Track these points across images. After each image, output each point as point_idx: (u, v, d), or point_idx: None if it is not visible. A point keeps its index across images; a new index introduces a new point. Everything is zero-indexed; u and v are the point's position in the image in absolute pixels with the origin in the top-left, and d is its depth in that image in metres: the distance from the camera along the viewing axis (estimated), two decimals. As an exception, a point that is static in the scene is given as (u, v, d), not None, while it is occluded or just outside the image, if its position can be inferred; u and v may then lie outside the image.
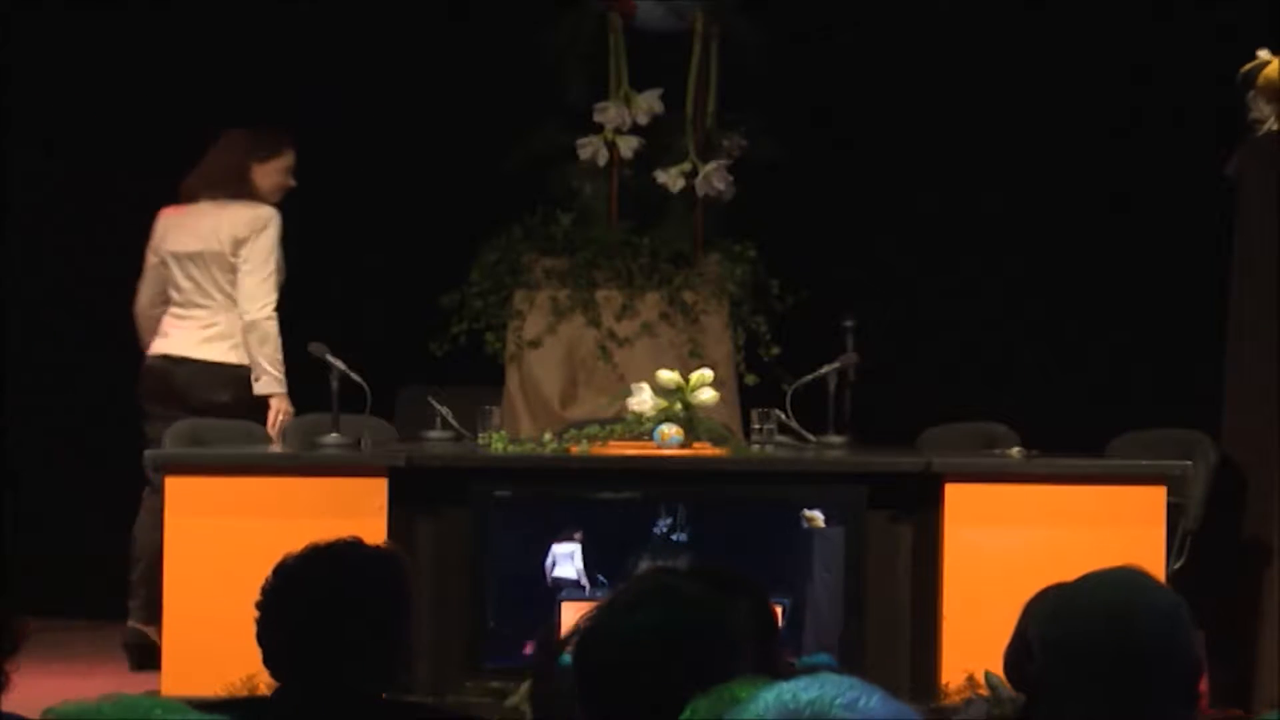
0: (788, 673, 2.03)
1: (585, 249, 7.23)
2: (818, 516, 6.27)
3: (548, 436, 6.53)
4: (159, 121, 8.30)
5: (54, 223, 8.54)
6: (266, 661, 3.36)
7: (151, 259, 7.39)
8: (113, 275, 8.39)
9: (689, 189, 7.30)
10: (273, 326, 7.15)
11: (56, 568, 7.81)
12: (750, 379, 7.11)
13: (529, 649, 6.07)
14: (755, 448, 6.56)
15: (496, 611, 6.20)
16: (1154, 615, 2.81)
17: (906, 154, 8.31)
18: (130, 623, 7.06)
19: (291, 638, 3.32)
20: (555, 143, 7.33)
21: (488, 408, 6.71)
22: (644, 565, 6.04)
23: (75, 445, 8.36)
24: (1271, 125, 6.60)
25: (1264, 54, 6.64)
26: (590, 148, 7.30)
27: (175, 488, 6.18)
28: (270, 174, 7.33)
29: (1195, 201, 7.64)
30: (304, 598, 3.34)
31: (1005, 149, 8.23)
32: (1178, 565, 6.32)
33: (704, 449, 6.43)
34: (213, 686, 5.36)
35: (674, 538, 6.21)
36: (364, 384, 6.57)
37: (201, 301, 7.27)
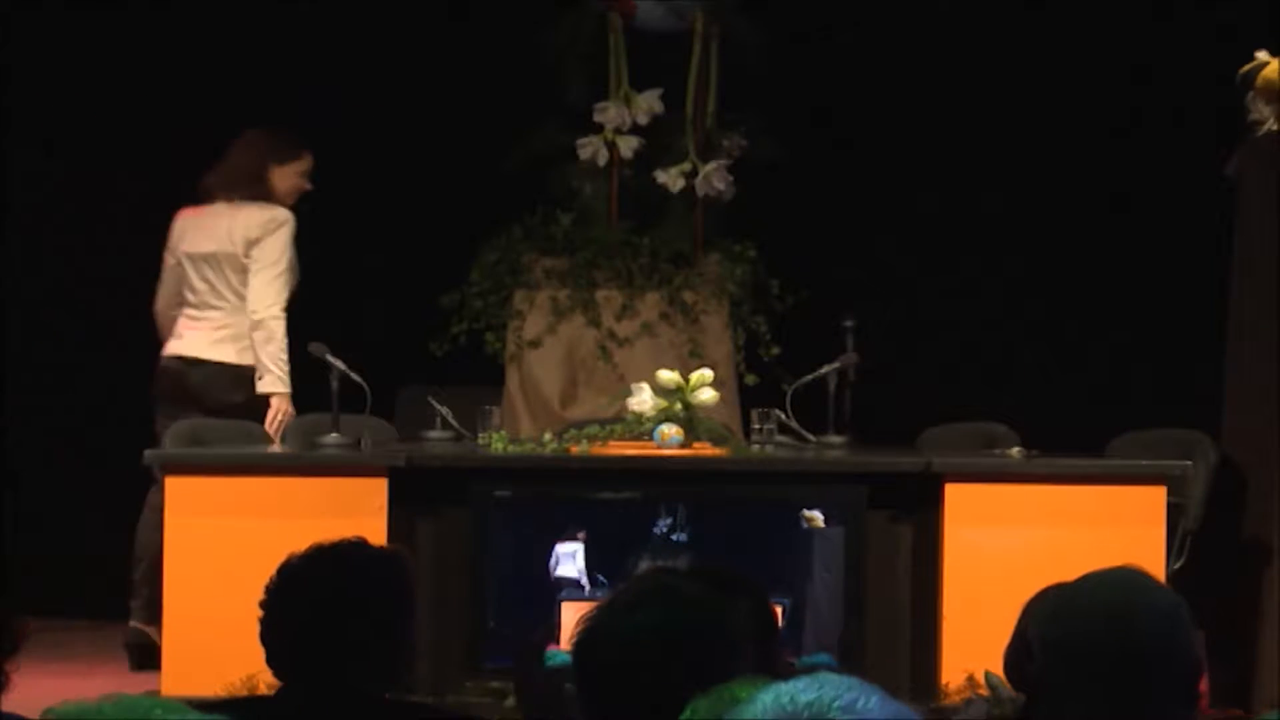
0: (788, 673, 2.03)
1: (585, 249, 7.23)
2: (817, 516, 6.27)
3: (548, 436, 6.53)
4: (159, 121, 8.31)
5: (54, 223, 8.54)
6: (270, 661, 3.36)
7: (169, 260, 7.42)
8: (113, 275, 8.41)
9: (689, 189, 7.30)
10: (279, 326, 7.16)
11: (56, 568, 7.81)
12: (750, 379, 7.10)
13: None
14: (755, 448, 6.56)
15: (496, 611, 6.20)
16: (1154, 615, 2.81)
17: (906, 154, 8.31)
18: (132, 623, 7.06)
19: (295, 637, 3.33)
20: (555, 143, 7.33)
21: (488, 408, 6.71)
22: (644, 565, 6.04)
23: (75, 445, 8.36)
24: (1271, 126, 6.60)
25: (1262, 55, 6.64)
26: (590, 148, 7.30)
27: (175, 488, 6.18)
28: (288, 176, 7.37)
29: (1195, 201, 7.64)
30: (307, 597, 3.35)
31: (1005, 149, 8.23)
32: (1178, 565, 6.32)
33: (704, 449, 6.43)
34: (213, 686, 5.36)
35: (674, 538, 6.22)
36: (364, 384, 6.57)
37: (216, 303, 7.29)
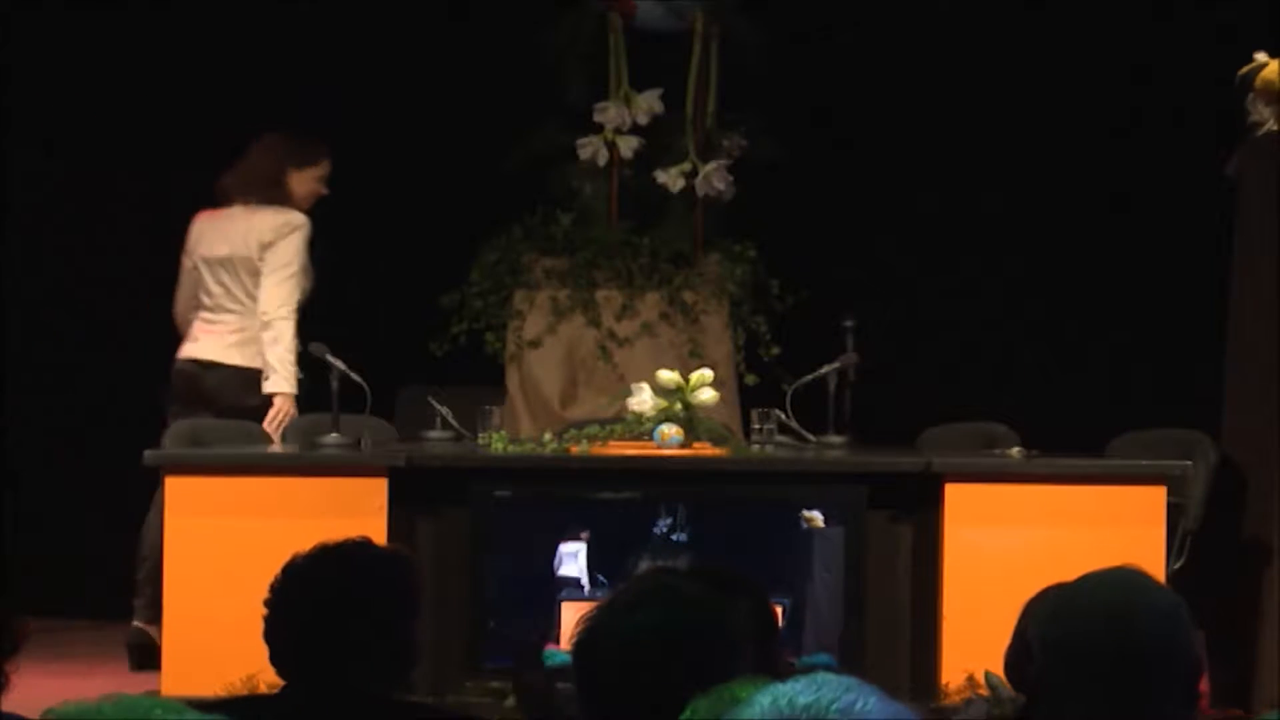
0: (788, 673, 2.03)
1: (585, 249, 7.23)
2: (816, 517, 6.27)
3: (548, 436, 6.53)
4: (159, 121, 8.31)
5: (54, 223, 8.54)
6: (273, 660, 3.37)
7: (186, 263, 7.44)
8: (113, 275, 8.42)
9: (689, 189, 7.30)
10: (287, 327, 7.17)
11: (56, 568, 7.81)
12: (750, 379, 7.10)
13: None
14: (755, 448, 6.56)
15: (496, 611, 6.19)
16: (1154, 615, 2.81)
17: (906, 154, 8.31)
18: (135, 622, 7.06)
19: (299, 636, 3.34)
20: (555, 143, 7.33)
21: (488, 408, 6.71)
22: (644, 565, 6.04)
23: (75, 445, 8.36)
24: (1271, 126, 6.60)
25: (1261, 56, 6.64)
26: (590, 148, 7.30)
27: (175, 488, 6.18)
28: (305, 181, 7.41)
29: (1195, 201, 7.64)
30: (312, 597, 3.35)
31: (1005, 149, 8.23)
32: (1178, 565, 6.32)
33: (704, 449, 6.43)
34: (213, 686, 5.36)
35: (674, 538, 6.21)
36: (364, 384, 6.57)
37: (231, 306, 7.30)
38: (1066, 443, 6.51)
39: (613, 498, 6.30)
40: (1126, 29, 8.14)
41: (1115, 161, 8.20)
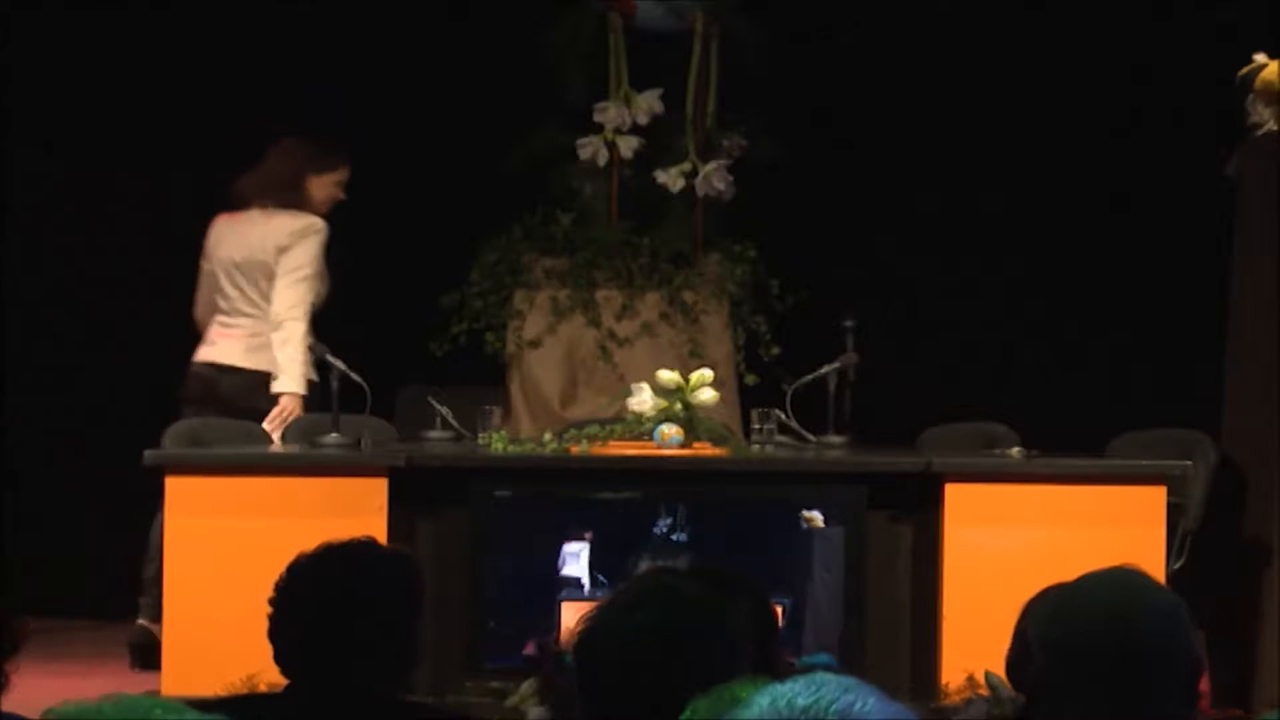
0: (787, 672, 2.03)
1: (585, 249, 7.23)
2: (816, 517, 6.27)
3: (548, 436, 6.53)
4: (159, 121, 8.31)
5: (54, 223, 8.54)
6: (277, 659, 3.37)
7: (204, 266, 7.45)
8: (113, 275, 8.42)
9: (689, 189, 7.30)
10: (298, 328, 7.18)
11: (56, 568, 7.81)
12: (750, 379, 7.10)
13: (529, 649, 6.07)
14: (755, 448, 6.56)
15: (496, 611, 6.19)
16: (1154, 615, 2.81)
17: (906, 154, 8.31)
18: (140, 620, 7.05)
19: (303, 636, 3.34)
20: (555, 143, 7.33)
21: (488, 408, 6.71)
22: (644, 565, 6.04)
23: (75, 445, 8.36)
24: (1271, 127, 6.60)
25: (1260, 57, 6.64)
26: (590, 148, 7.30)
27: (175, 488, 6.18)
28: (324, 186, 7.43)
29: (1195, 201, 7.64)
30: (317, 596, 3.36)
31: (1005, 149, 8.23)
32: (1178, 565, 6.32)
33: (704, 449, 6.43)
34: (213, 686, 5.34)
35: (674, 538, 6.21)
36: (364, 384, 6.57)
37: (247, 310, 7.31)
38: (1066, 443, 6.51)
39: (613, 498, 6.30)
40: (1126, 29, 8.14)
41: (1115, 161, 8.20)
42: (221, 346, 7.34)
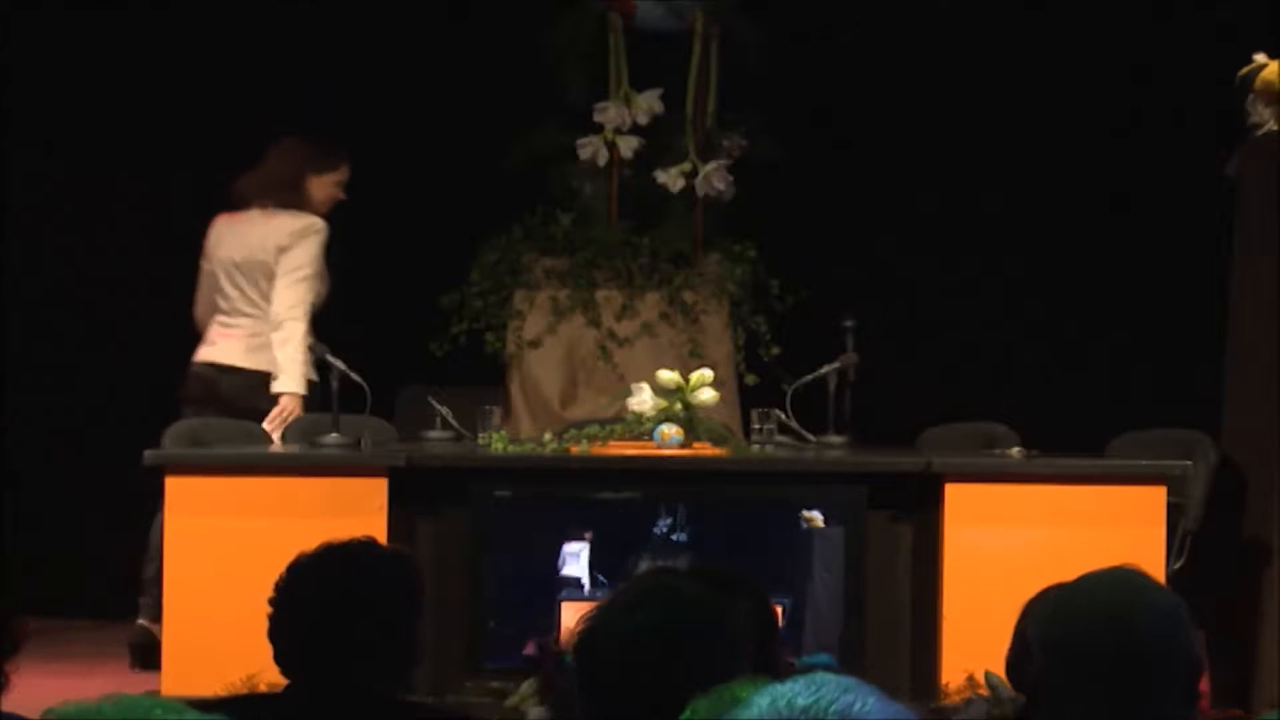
0: (787, 672, 2.03)
1: (585, 249, 7.23)
2: (816, 517, 6.27)
3: (548, 436, 6.53)
4: (159, 121, 8.31)
5: (54, 223, 8.54)
6: (277, 659, 3.37)
7: (205, 266, 7.45)
8: (113, 275, 8.42)
9: (689, 189, 7.30)
10: (298, 328, 7.18)
11: (56, 568, 7.81)
12: (750, 379, 7.10)
13: (529, 649, 6.08)
14: (755, 448, 6.56)
15: (496, 611, 6.19)
16: (1154, 615, 2.81)
17: (906, 154, 8.31)
18: (140, 620, 7.05)
19: (304, 635, 3.34)
20: (555, 143, 7.33)
21: (488, 408, 6.71)
22: (644, 565, 6.04)
23: (75, 445, 8.36)
24: (1271, 127, 6.60)
25: (1260, 57, 6.64)
26: (590, 148, 7.30)
27: (175, 488, 6.18)
28: (325, 186, 7.43)
29: (1195, 201, 7.64)
30: (318, 596, 3.36)
31: (1005, 149, 8.23)
32: (1178, 565, 6.32)
33: (704, 449, 6.43)
34: (213, 686, 5.34)
35: (674, 538, 6.21)
36: (364, 384, 6.57)
37: (247, 310, 7.31)
38: (1066, 443, 6.51)
39: (613, 498, 6.30)
40: (1126, 29, 8.14)
41: (1115, 161, 8.20)
42: (221, 346, 7.34)
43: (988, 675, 5.42)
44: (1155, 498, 6.16)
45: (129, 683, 6.59)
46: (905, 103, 8.30)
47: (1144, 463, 6.33)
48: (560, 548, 6.21)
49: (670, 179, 7.29)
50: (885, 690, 1.96)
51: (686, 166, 7.30)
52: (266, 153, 7.43)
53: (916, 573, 6.29)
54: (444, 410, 6.90)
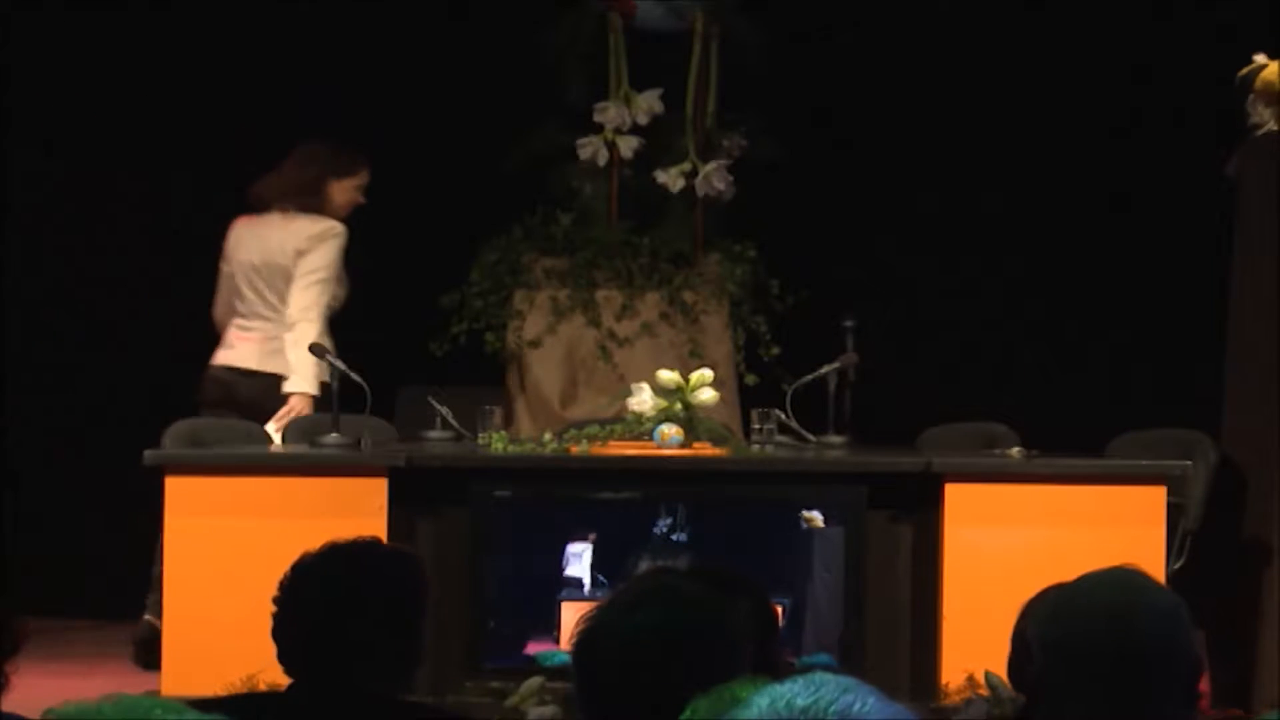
0: (787, 672, 2.03)
1: (585, 249, 7.23)
2: (816, 517, 6.27)
3: (548, 436, 6.53)
4: (159, 121, 8.31)
5: (54, 223, 8.54)
6: (281, 658, 3.37)
7: (224, 268, 7.45)
8: (113, 275, 8.42)
9: (689, 189, 7.31)
10: (311, 329, 7.17)
11: (56, 568, 7.81)
12: (750, 379, 7.11)
13: (529, 649, 6.08)
14: (755, 448, 6.56)
15: (496, 611, 6.19)
16: (1154, 615, 2.81)
17: (906, 154, 8.31)
18: (146, 617, 7.05)
19: (308, 635, 3.34)
20: (555, 143, 7.33)
21: (488, 408, 6.71)
22: (644, 565, 6.04)
23: (75, 445, 8.36)
24: (1271, 127, 6.60)
25: (1260, 57, 6.64)
26: (590, 148, 7.30)
27: (175, 488, 6.18)
28: (345, 190, 7.43)
29: (1195, 201, 7.64)
30: (321, 596, 3.36)
31: (1005, 149, 8.23)
32: (1178, 565, 6.32)
33: (704, 449, 6.43)
34: (213, 686, 5.34)
35: (674, 538, 6.21)
36: (364, 384, 6.57)
37: (265, 314, 7.32)
38: (1066, 443, 6.51)
39: (613, 498, 6.30)
40: (1126, 29, 8.14)
41: (1115, 161, 8.20)
42: (240, 350, 7.34)
43: (988, 675, 5.43)
44: (1155, 498, 6.16)
45: (129, 683, 6.59)
46: (905, 103, 8.30)
47: (1144, 463, 6.33)
48: (563, 548, 6.21)
49: (670, 179, 7.30)
50: (885, 690, 1.96)
51: (686, 166, 7.30)
52: (287, 157, 7.42)
53: (916, 573, 6.28)
54: (444, 410, 6.90)
